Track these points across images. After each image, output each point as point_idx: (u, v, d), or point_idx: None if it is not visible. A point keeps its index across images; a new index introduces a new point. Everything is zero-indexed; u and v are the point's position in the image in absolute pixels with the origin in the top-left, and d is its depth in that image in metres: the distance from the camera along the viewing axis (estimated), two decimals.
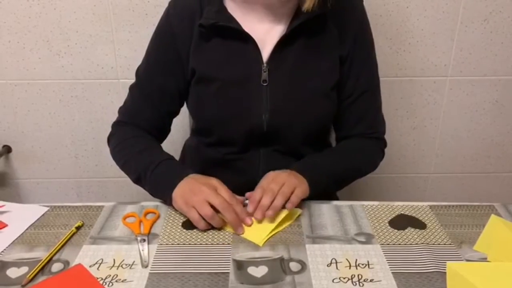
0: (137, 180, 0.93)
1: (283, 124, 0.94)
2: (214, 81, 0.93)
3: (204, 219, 0.80)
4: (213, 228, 0.81)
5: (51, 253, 0.74)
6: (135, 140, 0.97)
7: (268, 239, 0.78)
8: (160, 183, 0.88)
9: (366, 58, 0.98)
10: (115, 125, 1.02)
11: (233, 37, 0.90)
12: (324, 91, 0.94)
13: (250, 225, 0.81)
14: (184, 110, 1.05)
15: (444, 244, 0.77)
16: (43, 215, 0.85)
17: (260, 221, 0.82)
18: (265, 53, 0.91)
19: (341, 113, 0.99)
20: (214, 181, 0.84)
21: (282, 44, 0.90)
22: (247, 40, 0.90)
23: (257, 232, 0.80)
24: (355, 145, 1.00)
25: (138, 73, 1.00)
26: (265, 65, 0.91)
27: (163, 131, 1.04)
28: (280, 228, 0.81)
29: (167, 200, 0.86)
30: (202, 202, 0.79)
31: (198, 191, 0.81)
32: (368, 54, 0.99)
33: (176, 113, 1.03)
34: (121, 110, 1.03)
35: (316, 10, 0.86)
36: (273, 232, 0.80)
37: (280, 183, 0.84)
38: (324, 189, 0.91)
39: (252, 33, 0.89)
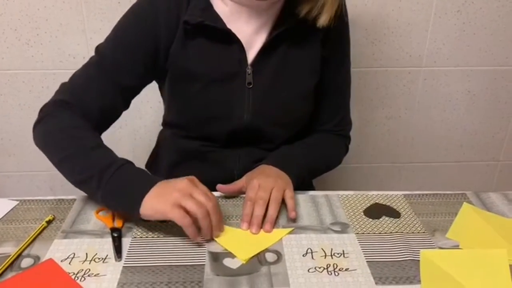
0: (82, 182, 0.78)
1: (263, 125, 0.93)
2: (196, 80, 0.90)
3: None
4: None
5: (21, 248, 0.72)
6: (79, 132, 0.82)
7: (252, 257, 0.72)
8: (125, 189, 0.75)
9: (344, 57, 1.00)
10: (53, 104, 0.86)
11: (218, 37, 0.87)
12: (305, 93, 0.95)
13: (212, 238, 0.74)
14: (158, 101, 1.02)
15: (418, 233, 0.79)
16: (12, 209, 0.83)
17: (251, 238, 0.76)
18: (251, 55, 0.89)
19: (315, 109, 1.00)
20: (188, 185, 0.74)
21: (267, 47, 0.89)
22: (233, 41, 0.87)
23: (244, 247, 0.73)
24: (325, 140, 1.02)
25: (99, 49, 0.89)
26: (249, 67, 0.90)
27: (111, 117, 0.91)
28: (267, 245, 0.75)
29: (132, 208, 0.73)
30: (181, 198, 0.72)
31: (170, 195, 0.72)
32: (346, 53, 1.00)
33: (127, 104, 0.93)
34: (65, 87, 0.89)
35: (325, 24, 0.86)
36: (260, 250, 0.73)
37: (269, 189, 0.82)
38: (302, 181, 0.92)
39: (239, 35, 0.86)
